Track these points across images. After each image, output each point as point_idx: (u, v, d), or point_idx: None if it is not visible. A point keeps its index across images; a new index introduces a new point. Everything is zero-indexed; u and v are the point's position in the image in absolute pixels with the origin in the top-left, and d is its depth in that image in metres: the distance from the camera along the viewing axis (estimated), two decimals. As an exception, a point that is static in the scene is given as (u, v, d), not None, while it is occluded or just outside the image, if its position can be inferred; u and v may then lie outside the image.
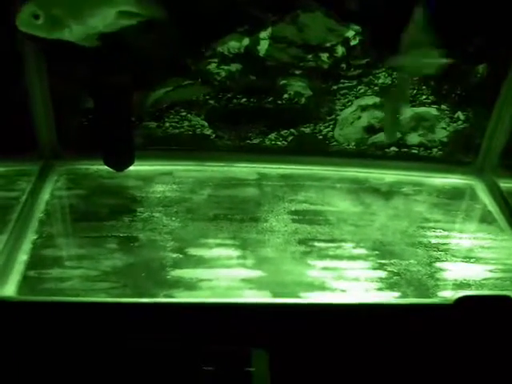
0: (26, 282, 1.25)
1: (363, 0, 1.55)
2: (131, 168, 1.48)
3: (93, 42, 1.24)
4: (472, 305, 1.13)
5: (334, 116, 1.68)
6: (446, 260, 1.39)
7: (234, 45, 1.59)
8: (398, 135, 1.69)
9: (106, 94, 1.39)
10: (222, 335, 1.12)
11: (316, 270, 1.33)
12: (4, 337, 1.11)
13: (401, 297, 1.26)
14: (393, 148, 1.70)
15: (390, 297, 1.26)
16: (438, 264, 1.37)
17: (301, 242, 1.41)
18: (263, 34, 1.58)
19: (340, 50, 1.60)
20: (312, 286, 1.28)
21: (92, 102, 1.57)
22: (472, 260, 1.40)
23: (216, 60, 1.60)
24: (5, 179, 1.56)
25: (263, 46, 1.59)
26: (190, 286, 1.26)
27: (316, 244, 1.40)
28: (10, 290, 1.22)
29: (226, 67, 1.61)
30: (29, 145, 1.60)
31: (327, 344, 1.14)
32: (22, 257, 1.31)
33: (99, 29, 1.24)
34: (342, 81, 1.64)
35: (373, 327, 1.15)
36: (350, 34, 1.59)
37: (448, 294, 1.27)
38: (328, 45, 1.60)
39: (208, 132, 1.67)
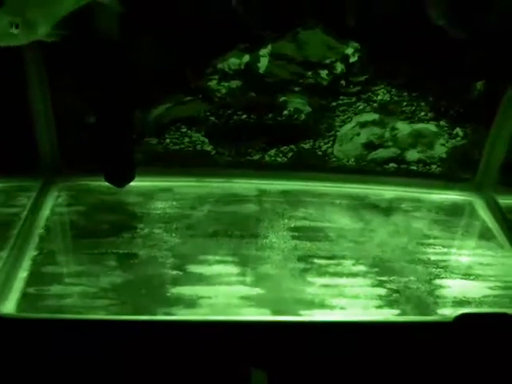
0: (25, 299, 1.25)
1: (362, 17, 1.56)
2: (132, 184, 1.49)
3: (58, 34, 1.20)
4: (471, 322, 1.13)
5: (333, 132, 1.69)
6: (446, 277, 1.39)
7: (234, 62, 1.60)
8: (397, 151, 1.69)
9: (107, 111, 1.40)
10: (222, 354, 1.12)
11: (316, 287, 1.33)
12: (4, 354, 1.11)
13: (400, 314, 1.26)
14: (392, 164, 1.71)
15: (390, 314, 1.26)
16: (437, 281, 1.37)
17: (300, 258, 1.41)
18: (263, 51, 1.60)
19: (339, 66, 1.61)
20: (312, 304, 1.28)
21: (93, 118, 1.58)
22: (471, 277, 1.40)
23: (216, 77, 1.62)
24: (6, 195, 1.56)
25: (263, 63, 1.60)
26: (190, 303, 1.26)
27: (316, 261, 1.40)
28: (9, 307, 1.22)
29: (226, 84, 1.62)
30: (30, 161, 1.60)
31: (327, 362, 1.14)
32: (22, 274, 1.31)
33: (61, 14, 1.18)
34: (341, 97, 1.65)
35: (373, 345, 1.14)
36: (349, 51, 1.60)
37: (447, 312, 1.27)
38: (327, 62, 1.61)
39: (208, 148, 1.68)
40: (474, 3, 1.50)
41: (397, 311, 1.27)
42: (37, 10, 1.15)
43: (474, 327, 1.13)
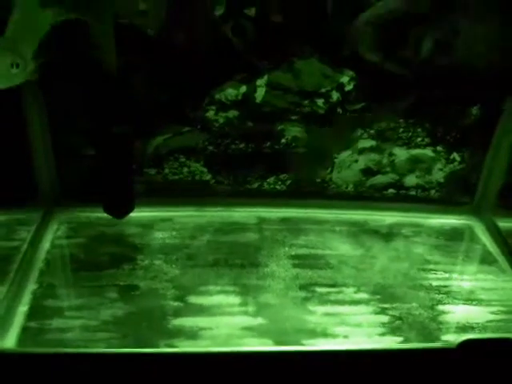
0: (26, 334, 1.24)
1: (356, 46, 1.59)
2: (131, 215, 1.50)
3: (39, 66, 1.20)
4: (475, 348, 1.12)
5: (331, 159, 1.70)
6: (448, 302, 1.38)
7: (231, 92, 1.62)
8: (396, 177, 1.70)
9: (107, 143, 1.41)
10: (225, 386, 1.11)
11: (318, 315, 1.32)
12: (4, 391, 1.10)
13: (404, 341, 1.26)
14: (391, 190, 1.72)
15: (393, 342, 1.25)
16: (440, 307, 1.37)
17: (302, 287, 1.40)
18: (260, 82, 1.62)
19: (335, 95, 1.63)
20: (314, 333, 1.27)
21: (92, 150, 1.59)
22: (474, 302, 1.39)
23: (214, 107, 1.63)
24: (5, 228, 1.56)
25: (260, 93, 1.62)
26: (191, 334, 1.26)
27: (317, 289, 1.40)
28: (10, 341, 1.22)
29: (223, 114, 1.64)
30: (29, 193, 1.61)
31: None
32: (23, 308, 1.31)
33: (42, 32, 1.18)
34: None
35: (376, 373, 1.13)
36: (345, 79, 1.62)
37: (451, 338, 1.26)
38: (323, 90, 1.63)
39: (207, 177, 1.68)
40: (402, 40, 1.53)
41: (400, 338, 1.26)
42: (24, 37, 1.16)
43: (478, 353, 1.12)
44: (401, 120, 1.65)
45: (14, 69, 1.14)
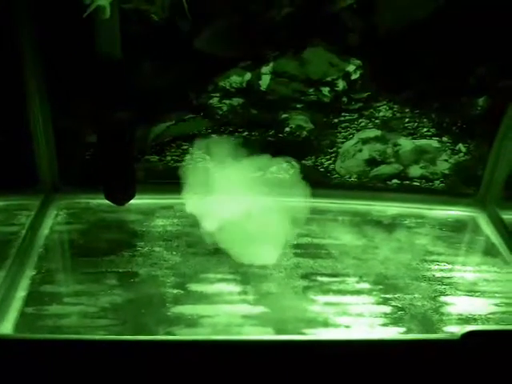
0: (23, 319, 1.23)
1: (364, 34, 1.56)
2: (132, 202, 1.48)
3: None
4: (479, 340, 1.11)
5: (335, 149, 1.68)
6: (451, 294, 1.37)
7: (235, 79, 1.60)
8: (400, 168, 1.69)
9: (108, 129, 1.39)
10: (224, 374, 1.10)
11: (319, 305, 1.31)
12: (2, 376, 1.09)
13: (406, 332, 1.24)
14: (395, 180, 1.70)
15: (395, 332, 1.24)
16: (442, 298, 1.35)
17: (303, 276, 1.39)
18: (265, 69, 1.60)
19: (341, 83, 1.61)
20: (315, 322, 1.26)
21: (93, 136, 1.58)
22: (477, 294, 1.38)
23: (218, 94, 1.62)
24: (5, 213, 1.55)
25: (265, 81, 1.60)
26: (191, 322, 1.24)
27: (319, 278, 1.39)
28: (7, 327, 1.20)
29: (227, 101, 1.62)
30: (29, 179, 1.60)
31: (332, 381, 1.12)
32: (20, 293, 1.30)
33: None
34: (343, 114, 1.65)
35: (378, 364, 1.12)
36: (351, 68, 1.60)
37: (454, 329, 1.24)
38: (329, 79, 1.61)
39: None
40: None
41: (402, 329, 1.25)
42: None
43: (482, 344, 1.11)
44: (407, 110, 1.64)
45: None
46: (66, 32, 1.47)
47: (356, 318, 1.28)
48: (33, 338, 1.13)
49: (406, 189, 1.70)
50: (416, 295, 1.35)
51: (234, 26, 1.52)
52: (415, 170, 1.69)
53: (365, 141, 1.67)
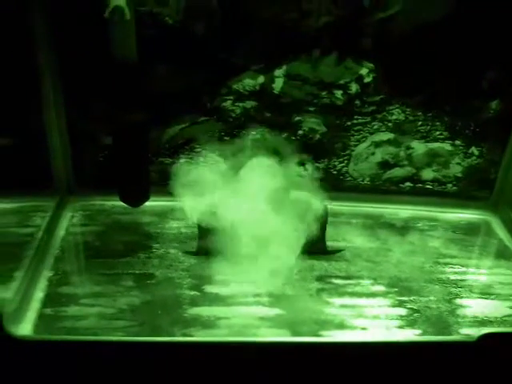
0: (42, 320, 1.24)
1: (377, 38, 1.57)
2: (147, 204, 1.49)
3: None
4: (496, 342, 1.11)
5: (348, 152, 1.69)
6: (466, 296, 1.37)
7: (249, 82, 1.61)
8: (413, 171, 1.69)
9: (123, 131, 1.40)
10: (241, 375, 1.10)
11: (335, 307, 1.31)
12: (20, 376, 1.09)
13: (422, 334, 1.25)
14: (407, 183, 1.71)
15: (412, 334, 1.24)
16: (457, 301, 1.36)
17: (318, 278, 1.40)
18: (278, 72, 1.61)
19: (354, 87, 1.62)
20: (331, 324, 1.26)
21: (108, 138, 1.58)
22: (492, 296, 1.38)
23: (231, 97, 1.62)
24: (21, 215, 1.56)
25: (278, 84, 1.61)
26: (208, 324, 1.25)
27: (333, 281, 1.39)
28: (26, 328, 1.21)
29: (241, 104, 1.63)
30: (45, 180, 1.60)
31: (348, 383, 1.12)
32: (39, 294, 1.31)
33: None
34: (355, 117, 1.65)
35: (395, 366, 1.13)
36: (364, 71, 1.61)
37: (470, 332, 1.25)
38: (342, 82, 1.61)
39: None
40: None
41: (419, 331, 1.25)
42: None
43: (498, 346, 1.11)
44: (419, 113, 1.64)
45: None
46: (82, 34, 1.48)
47: (372, 320, 1.28)
48: (52, 340, 1.14)
49: (418, 192, 1.70)
50: (431, 297, 1.35)
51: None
52: (428, 173, 1.70)
53: (378, 144, 1.67)
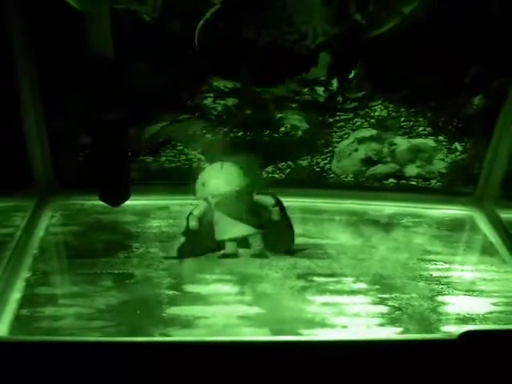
0: (18, 321, 1.22)
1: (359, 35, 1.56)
2: (127, 203, 1.48)
3: None
4: (476, 340, 1.10)
5: (331, 148, 1.67)
6: (448, 293, 1.36)
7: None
8: (396, 167, 1.69)
9: (101, 130, 1.38)
10: (220, 375, 1.09)
11: (316, 305, 1.30)
12: (-5, 379, 1.08)
13: (403, 332, 1.23)
14: (391, 180, 1.70)
15: (393, 332, 1.23)
16: (440, 298, 1.34)
17: (300, 276, 1.38)
18: (259, 68, 1.59)
19: (335, 83, 1.60)
20: (312, 323, 1.25)
21: (87, 137, 1.57)
22: (475, 293, 1.37)
23: (212, 95, 1.61)
24: (0, 216, 1.54)
25: (259, 80, 1.60)
26: (187, 323, 1.23)
27: (315, 279, 1.38)
28: (2, 329, 1.19)
29: (222, 102, 1.61)
30: (24, 180, 1.59)
31: (329, 382, 1.11)
32: (15, 295, 1.29)
33: None
34: (338, 114, 1.64)
35: (375, 364, 1.11)
36: (346, 67, 1.60)
37: (451, 329, 1.24)
38: (323, 78, 1.60)
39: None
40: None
41: (400, 329, 1.24)
42: None
43: (479, 344, 1.10)
44: (402, 109, 1.63)
45: None
46: (59, 33, 1.46)
47: (353, 318, 1.27)
48: (28, 341, 1.12)
49: (402, 188, 1.69)
50: (413, 295, 1.34)
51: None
52: (412, 169, 1.69)
53: (360, 140, 1.66)
